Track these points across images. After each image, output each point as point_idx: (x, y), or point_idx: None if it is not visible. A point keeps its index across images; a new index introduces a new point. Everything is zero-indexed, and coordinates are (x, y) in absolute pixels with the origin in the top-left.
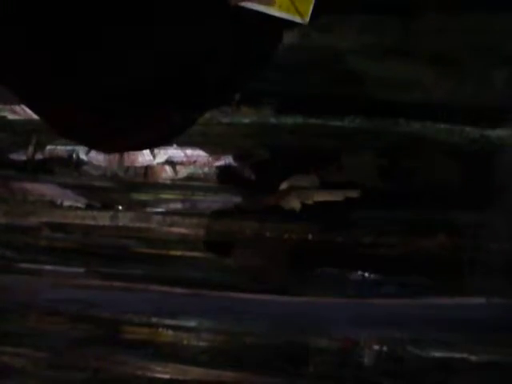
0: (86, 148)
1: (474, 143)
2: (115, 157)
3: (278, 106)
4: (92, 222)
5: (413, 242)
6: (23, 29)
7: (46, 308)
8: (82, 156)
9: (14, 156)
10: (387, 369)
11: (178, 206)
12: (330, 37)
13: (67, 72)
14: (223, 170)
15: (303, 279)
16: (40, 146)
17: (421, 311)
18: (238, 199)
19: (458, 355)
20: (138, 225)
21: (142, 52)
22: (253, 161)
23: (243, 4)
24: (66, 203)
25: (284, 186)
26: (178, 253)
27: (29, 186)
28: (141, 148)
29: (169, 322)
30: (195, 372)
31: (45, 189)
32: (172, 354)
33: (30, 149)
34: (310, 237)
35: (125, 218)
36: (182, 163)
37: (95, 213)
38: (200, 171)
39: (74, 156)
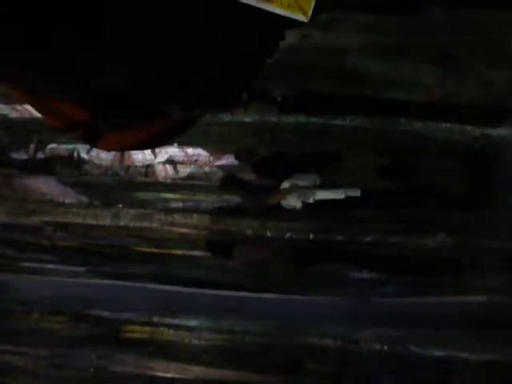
0: (87, 147)
1: (475, 142)
2: (116, 156)
3: (280, 105)
4: (93, 221)
5: (413, 241)
6: (22, 27)
7: (48, 307)
8: (83, 155)
9: (16, 155)
10: (387, 367)
11: (179, 205)
12: (331, 37)
13: (67, 69)
14: (224, 169)
15: (304, 279)
16: (41, 145)
17: (421, 310)
18: (238, 198)
19: (458, 354)
20: (138, 224)
21: (143, 50)
22: (254, 160)
23: (243, 0)
24: (67, 202)
25: (285, 185)
26: (179, 252)
27: (30, 184)
28: (142, 147)
29: (169, 321)
30: (196, 371)
31: (46, 188)
32: (173, 352)
33: (32, 148)
34: (311, 236)
35: (126, 217)
36: (182, 162)
37: (96, 212)
38: (201, 170)
39: (75, 155)
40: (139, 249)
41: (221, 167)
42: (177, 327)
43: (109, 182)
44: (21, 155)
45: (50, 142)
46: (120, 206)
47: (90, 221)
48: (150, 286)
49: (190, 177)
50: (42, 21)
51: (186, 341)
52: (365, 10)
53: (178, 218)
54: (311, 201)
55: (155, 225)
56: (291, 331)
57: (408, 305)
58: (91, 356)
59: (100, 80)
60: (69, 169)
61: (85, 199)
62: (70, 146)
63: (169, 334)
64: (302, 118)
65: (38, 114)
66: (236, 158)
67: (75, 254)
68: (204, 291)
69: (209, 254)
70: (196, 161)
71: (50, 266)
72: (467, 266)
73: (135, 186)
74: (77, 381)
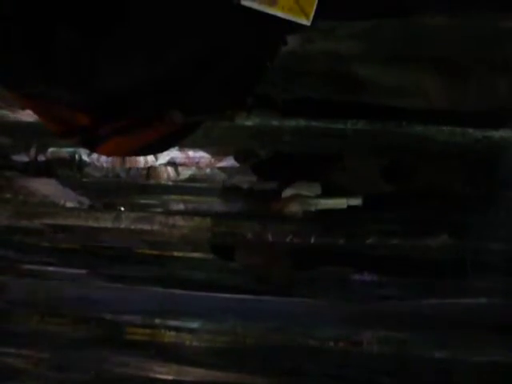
0: (90, 151)
1: (477, 144)
2: (117, 158)
3: (281, 110)
4: (94, 224)
5: (414, 243)
6: (22, 30)
7: (49, 309)
8: (84, 157)
9: (17, 158)
10: (388, 369)
11: (181, 207)
12: (332, 42)
13: (67, 73)
14: (225, 171)
15: (305, 280)
16: (42, 148)
17: (422, 312)
18: (240, 201)
19: (459, 356)
20: (140, 226)
21: (144, 54)
22: (254, 162)
23: (245, 3)
24: (69, 204)
25: (287, 193)
26: (180, 254)
27: (31, 187)
28: (142, 153)
29: (171, 322)
30: (197, 373)
31: (47, 190)
32: (174, 354)
33: (33, 151)
34: (312, 239)
35: (127, 220)
36: (184, 164)
37: (97, 214)
38: (202, 172)
39: (77, 158)
40: (140, 251)
41: (222, 169)
42: (178, 329)
43: (110, 184)
44: (22, 158)
45: (51, 145)
46: (121, 208)
47: (91, 223)
48: (152, 289)
49: (192, 179)
50: (42, 24)
51: (188, 343)
52: (365, 17)
53: (179, 220)
54: (313, 209)
55: (156, 227)
56: (292, 333)
57: (409, 306)
58: (93, 358)
59: (100, 84)
60: (70, 171)
61: (86, 201)
62: (71, 149)
63: (170, 336)
64: (302, 122)
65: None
66: (236, 160)
67: (76, 257)
68: (205, 293)
69: (210, 256)
70: (197, 163)
71: (52, 269)
72: (468, 268)
73: (136, 188)
74: (78, 383)
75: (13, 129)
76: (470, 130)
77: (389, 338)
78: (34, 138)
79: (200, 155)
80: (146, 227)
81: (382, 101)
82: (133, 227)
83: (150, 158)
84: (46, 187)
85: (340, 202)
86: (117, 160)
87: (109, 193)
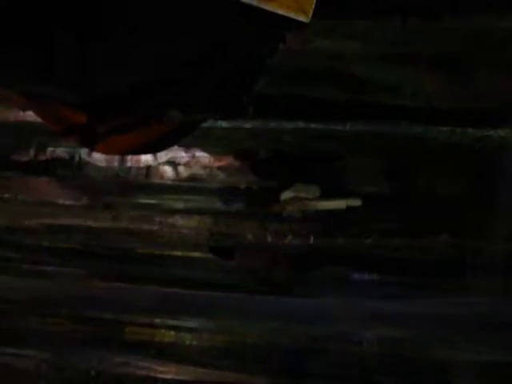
0: (89, 150)
1: (476, 143)
2: (117, 158)
3: (279, 110)
4: (94, 223)
5: (414, 243)
6: (21, 30)
7: (48, 309)
8: (84, 157)
9: (17, 158)
10: (389, 368)
11: (180, 206)
12: (332, 43)
13: (66, 72)
14: (225, 171)
15: (305, 280)
16: (42, 148)
17: (422, 311)
18: (239, 200)
19: (459, 355)
20: (139, 226)
21: (142, 53)
22: (254, 162)
23: (244, 0)
24: (68, 204)
25: (285, 195)
26: (180, 253)
27: (31, 187)
28: (140, 151)
29: (171, 322)
30: (197, 372)
31: (47, 190)
32: (174, 354)
33: (32, 151)
34: (311, 239)
35: (126, 219)
36: (183, 164)
37: (97, 213)
38: (201, 172)
39: (76, 157)
40: (140, 250)
41: (221, 169)
42: (178, 329)
43: (109, 184)
44: (22, 157)
45: (50, 145)
46: (121, 207)
47: (90, 223)
48: (151, 288)
49: (191, 178)
50: (41, 24)
51: (187, 342)
52: (366, 17)
53: (178, 219)
54: (312, 211)
55: (156, 226)
56: (292, 333)
57: (409, 306)
58: (93, 358)
59: (97, 83)
60: (69, 171)
61: (85, 201)
62: (71, 149)
63: (170, 336)
64: (301, 124)
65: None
66: (236, 159)
67: (76, 256)
68: (205, 293)
69: (209, 255)
70: (197, 162)
71: (51, 268)
72: (469, 267)
73: (136, 188)
74: (78, 383)
75: (13, 129)
76: (470, 130)
77: (389, 337)
78: (33, 137)
79: (199, 155)
80: (146, 227)
81: (381, 100)
82: (132, 226)
83: (150, 157)
84: (45, 187)
85: (339, 204)
86: (116, 160)
87: (108, 192)
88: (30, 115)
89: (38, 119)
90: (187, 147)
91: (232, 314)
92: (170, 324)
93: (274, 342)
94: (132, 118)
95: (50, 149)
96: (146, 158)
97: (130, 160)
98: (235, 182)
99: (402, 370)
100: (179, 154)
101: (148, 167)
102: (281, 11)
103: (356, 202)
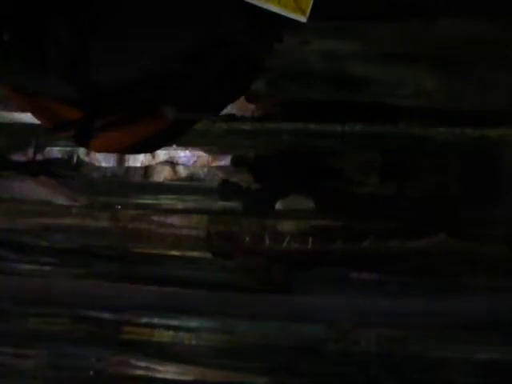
0: (86, 149)
1: (475, 143)
2: (115, 157)
3: (278, 111)
4: (92, 223)
5: (413, 242)
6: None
7: (47, 309)
8: (82, 157)
9: (15, 157)
10: (388, 368)
11: (178, 206)
12: (330, 43)
13: (59, 66)
14: (223, 171)
15: (303, 279)
16: (40, 148)
17: (421, 310)
18: (237, 200)
19: (458, 354)
20: (137, 225)
21: (138, 47)
22: (253, 162)
23: None
24: (66, 204)
25: (279, 206)
26: (178, 253)
27: (29, 187)
28: (135, 150)
29: (169, 322)
30: (196, 372)
31: (45, 190)
32: (172, 354)
33: (30, 151)
34: (310, 240)
35: (124, 219)
36: (181, 164)
37: (95, 213)
38: (200, 172)
39: (74, 157)
40: (138, 250)
41: (220, 168)
42: (176, 328)
43: (107, 184)
44: (20, 157)
45: (48, 145)
46: (119, 207)
47: (88, 222)
48: (150, 288)
49: (189, 178)
50: (33, 17)
51: (187, 342)
52: (364, 17)
53: (176, 219)
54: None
55: (154, 226)
56: (291, 332)
57: (409, 305)
58: (91, 357)
59: (91, 78)
60: (67, 171)
61: (83, 201)
62: (69, 149)
63: (168, 335)
64: (300, 125)
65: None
66: (234, 159)
67: (74, 256)
68: (204, 292)
69: (208, 255)
70: (195, 162)
71: (49, 268)
72: (467, 266)
73: (134, 188)
74: (76, 382)
75: (10, 129)
76: (470, 130)
77: (388, 337)
78: (31, 137)
79: (198, 154)
80: (144, 226)
81: (381, 100)
82: (130, 226)
83: (148, 157)
84: (43, 187)
85: (335, 219)
86: (114, 160)
87: (106, 192)
88: (28, 115)
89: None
90: (185, 147)
91: (231, 314)
92: (168, 323)
93: (273, 342)
94: (125, 114)
95: (48, 149)
96: (144, 158)
97: (128, 160)
98: (233, 182)
99: (401, 369)
100: (177, 153)
101: (146, 167)
102: (277, 9)
103: (355, 222)
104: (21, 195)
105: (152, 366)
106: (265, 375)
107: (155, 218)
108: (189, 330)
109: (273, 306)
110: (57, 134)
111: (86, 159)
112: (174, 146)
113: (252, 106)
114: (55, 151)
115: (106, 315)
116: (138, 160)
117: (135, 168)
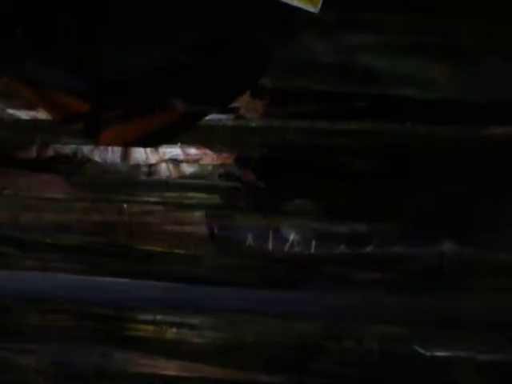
0: (91, 146)
1: (482, 141)
2: (119, 154)
3: (284, 107)
4: (96, 220)
5: (415, 242)
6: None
7: (50, 305)
8: (87, 154)
9: (19, 154)
10: (388, 367)
11: (182, 203)
12: (339, 35)
13: (67, 58)
14: (228, 169)
15: (307, 277)
16: (44, 144)
17: (423, 310)
18: (241, 198)
19: (460, 354)
20: (141, 222)
21: (146, 39)
22: (258, 160)
23: None
24: (71, 201)
25: (284, 206)
26: (182, 250)
27: (33, 183)
28: (143, 143)
29: (172, 319)
30: (199, 369)
31: (49, 186)
32: (175, 351)
33: (35, 147)
34: (313, 244)
35: (128, 216)
36: (186, 161)
37: (99, 210)
38: (204, 169)
39: (79, 154)
40: (142, 247)
41: (224, 166)
42: (179, 325)
43: (112, 181)
44: (24, 154)
45: (53, 142)
46: (123, 204)
47: (93, 219)
48: (153, 284)
49: (193, 176)
50: (42, 8)
51: (189, 339)
52: (374, 8)
53: (180, 216)
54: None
55: (158, 223)
56: (293, 330)
57: (409, 305)
58: (94, 354)
59: (101, 70)
60: (72, 168)
61: (88, 198)
62: (74, 145)
63: (171, 332)
64: (305, 123)
65: (41, 114)
66: (240, 157)
67: (78, 252)
68: (207, 289)
69: (211, 252)
70: (199, 160)
71: (53, 265)
72: (469, 267)
73: (138, 185)
74: (79, 379)
75: (15, 125)
76: (475, 128)
77: (389, 336)
78: (36, 134)
79: (202, 152)
80: (148, 223)
81: (391, 91)
82: (134, 223)
83: (152, 154)
84: (47, 184)
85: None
86: (119, 156)
87: (110, 189)
88: (33, 112)
89: (41, 116)
90: (190, 145)
91: (234, 311)
92: (171, 321)
93: (276, 340)
94: (134, 107)
95: (52, 145)
96: (149, 156)
97: (133, 157)
98: (238, 180)
99: (401, 368)
100: (182, 151)
101: (151, 164)
102: (290, 0)
103: (361, 228)
104: (24, 192)
105: (154, 362)
106: (267, 373)
107: (159, 215)
108: (192, 327)
109: (275, 303)
110: (66, 127)
111: (91, 156)
112: (179, 143)
113: (258, 103)
114: (60, 148)
115: (109, 312)
116: (142, 157)
117: (140, 165)
